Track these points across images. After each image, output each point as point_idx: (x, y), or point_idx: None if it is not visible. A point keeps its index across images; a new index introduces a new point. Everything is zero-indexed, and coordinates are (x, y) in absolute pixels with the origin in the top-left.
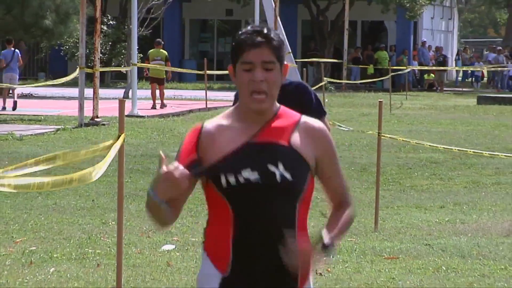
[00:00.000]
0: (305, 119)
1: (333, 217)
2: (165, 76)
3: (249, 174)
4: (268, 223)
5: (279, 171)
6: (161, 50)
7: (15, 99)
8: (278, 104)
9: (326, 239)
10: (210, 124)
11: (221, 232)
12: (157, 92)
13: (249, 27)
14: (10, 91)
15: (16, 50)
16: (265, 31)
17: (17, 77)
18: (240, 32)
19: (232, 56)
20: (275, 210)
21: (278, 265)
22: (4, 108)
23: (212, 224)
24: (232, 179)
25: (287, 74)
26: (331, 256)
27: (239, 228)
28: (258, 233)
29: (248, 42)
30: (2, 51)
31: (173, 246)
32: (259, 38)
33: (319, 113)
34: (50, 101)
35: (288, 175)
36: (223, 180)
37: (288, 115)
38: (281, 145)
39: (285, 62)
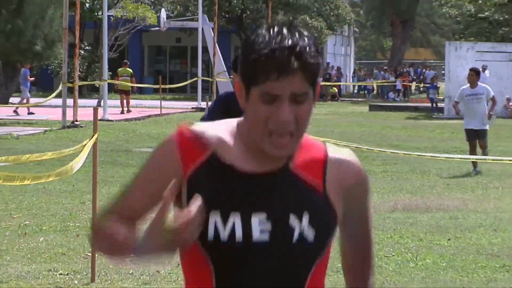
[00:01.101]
0: (333, 149)
1: None
2: (130, 89)
3: (258, 225)
4: None
5: (301, 227)
6: (127, 68)
7: (24, 108)
8: None
9: None
10: (207, 129)
11: None
12: (125, 101)
13: (274, 32)
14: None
15: (24, 69)
16: (300, 47)
17: (26, 89)
18: (259, 39)
19: (243, 71)
20: (279, 282)
21: None
22: (16, 113)
23: None
24: (227, 229)
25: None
26: None
27: None
28: None
29: (276, 65)
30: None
31: None
32: (293, 63)
33: None
34: (40, 109)
35: (310, 235)
36: (210, 229)
37: (310, 141)
38: (313, 187)
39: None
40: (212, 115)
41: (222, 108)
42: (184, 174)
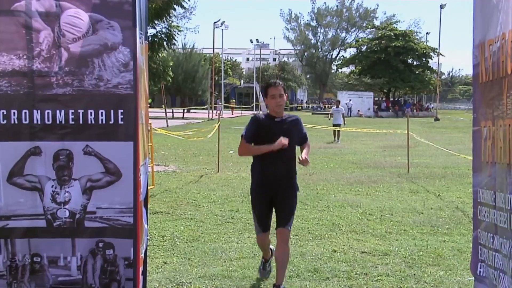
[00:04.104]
0: None
1: None
2: (234, 106)
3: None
4: None
5: None
6: (233, 100)
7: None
8: None
9: None
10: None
11: None
12: (232, 110)
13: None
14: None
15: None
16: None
17: (220, 107)
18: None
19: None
20: None
21: None
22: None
23: None
24: None
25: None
26: None
27: None
28: None
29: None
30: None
31: (233, 151)
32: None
33: (306, 136)
34: (199, 114)
35: None
36: None
37: None
38: None
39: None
40: (248, 127)
41: (255, 122)
42: None
